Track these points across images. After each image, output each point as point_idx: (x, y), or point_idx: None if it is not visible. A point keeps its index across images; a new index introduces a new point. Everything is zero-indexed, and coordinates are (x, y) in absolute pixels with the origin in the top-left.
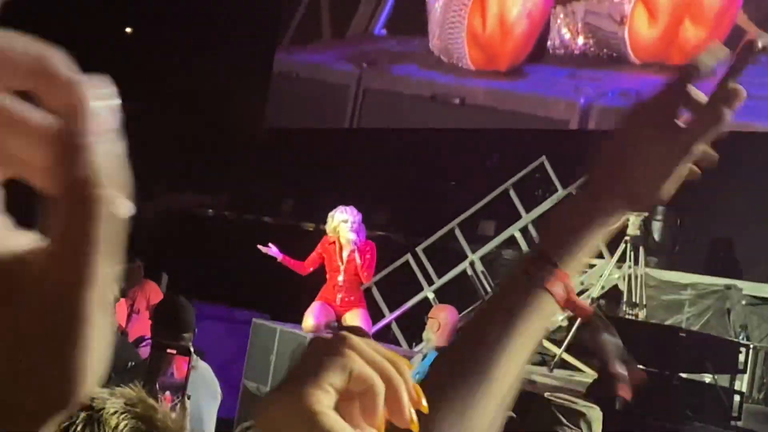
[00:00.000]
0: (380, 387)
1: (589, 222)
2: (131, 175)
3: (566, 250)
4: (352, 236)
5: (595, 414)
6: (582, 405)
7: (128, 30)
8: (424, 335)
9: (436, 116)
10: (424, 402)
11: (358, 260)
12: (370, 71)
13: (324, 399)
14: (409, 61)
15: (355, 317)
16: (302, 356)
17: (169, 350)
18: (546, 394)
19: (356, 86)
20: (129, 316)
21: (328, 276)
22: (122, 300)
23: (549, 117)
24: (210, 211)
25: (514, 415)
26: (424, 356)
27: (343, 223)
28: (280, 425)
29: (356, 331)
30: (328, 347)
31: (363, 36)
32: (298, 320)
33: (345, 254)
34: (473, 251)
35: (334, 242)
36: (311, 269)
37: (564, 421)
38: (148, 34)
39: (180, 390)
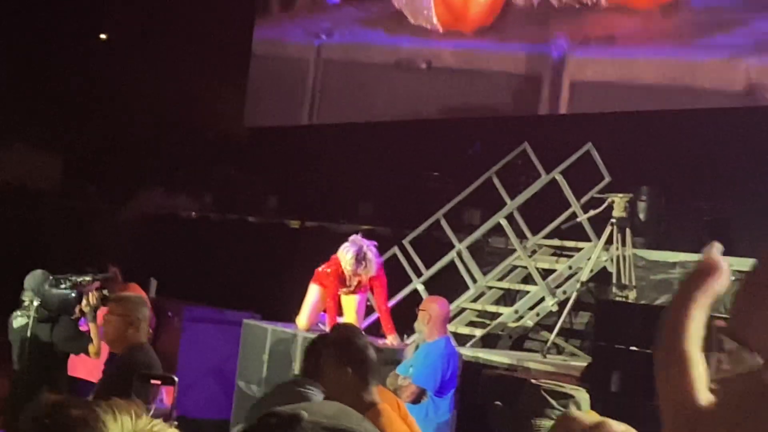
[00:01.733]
0: None
1: None
2: (114, 179)
3: None
4: (356, 274)
5: (583, 396)
6: (570, 388)
7: (103, 36)
8: (416, 327)
9: (402, 83)
10: None
11: (369, 295)
12: (329, 43)
13: None
14: (373, 27)
15: (351, 304)
16: None
17: (153, 381)
18: (532, 381)
19: (315, 58)
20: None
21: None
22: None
23: (521, 73)
24: (194, 213)
25: (499, 404)
26: (416, 347)
27: (346, 265)
28: None
29: (349, 327)
30: None
31: (313, 6)
32: (289, 319)
33: (354, 282)
34: (460, 240)
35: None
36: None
37: (553, 403)
38: (122, 39)
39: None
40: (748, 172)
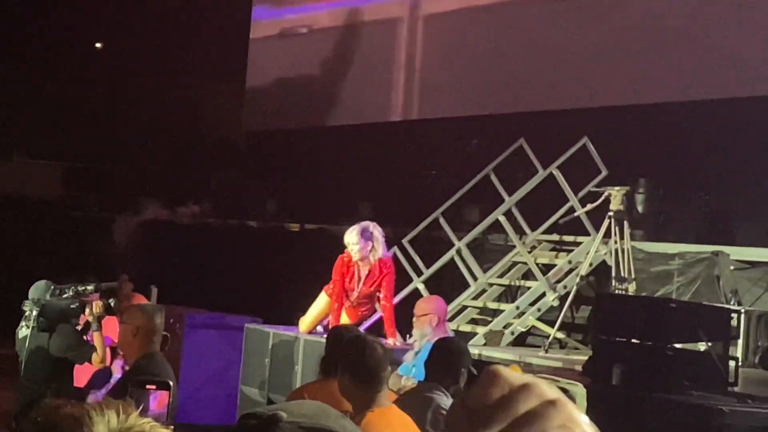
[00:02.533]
0: None
1: None
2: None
3: None
4: (360, 255)
5: (579, 390)
6: (565, 382)
7: (98, 45)
8: (419, 332)
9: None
10: None
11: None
12: None
13: None
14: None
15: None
16: (516, 401)
17: (148, 386)
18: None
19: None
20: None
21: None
22: (114, 317)
23: (384, 19)
24: (193, 219)
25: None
26: (417, 352)
27: (352, 245)
28: None
29: (348, 329)
30: (557, 413)
31: None
32: (291, 323)
33: (363, 273)
34: (459, 238)
35: (349, 260)
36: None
37: None
38: (118, 48)
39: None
40: (745, 163)
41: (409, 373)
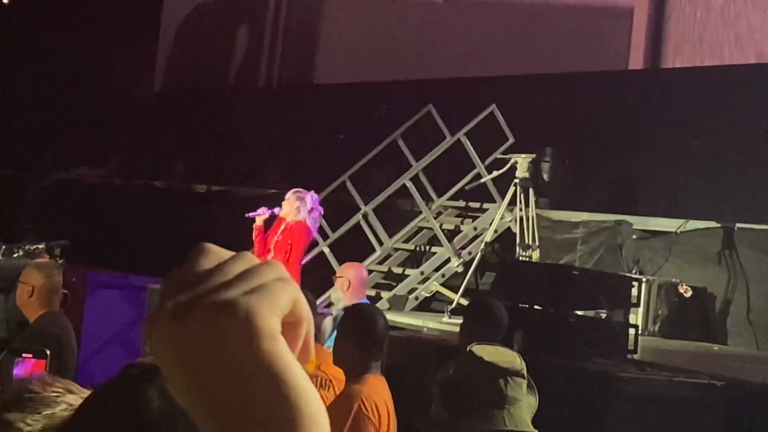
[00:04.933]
0: (312, 322)
1: None
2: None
3: None
4: (284, 211)
5: None
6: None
7: (5, 1)
8: (333, 295)
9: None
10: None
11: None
12: None
13: (278, 325)
14: None
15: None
16: (228, 263)
17: (24, 354)
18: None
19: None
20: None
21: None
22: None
23: None
24: (99, 178)
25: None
26: (335, 317)
27: (285, 201)
28: (202, 341)
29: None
30: (272, 269)
31: None
32: None
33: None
34: (366, 203)
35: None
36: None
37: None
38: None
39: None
40: (649, 133)
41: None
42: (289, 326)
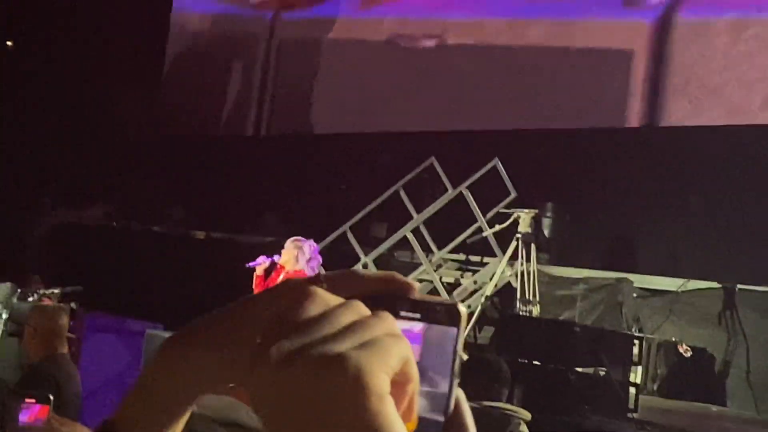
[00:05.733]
0: (418, 382)
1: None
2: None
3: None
4: (282, 258)
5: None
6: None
7: (9, 43)
8: None
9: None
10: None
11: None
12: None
13: (387, 384)
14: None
15: None
16: (336, 312)
17: (27, 399)
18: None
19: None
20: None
21: None
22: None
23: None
24: (99, 220)
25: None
26: None
27: (284, 250)
28: (307, 393)
29: None
30: (382, 322)
31: None
32: None
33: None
34: (366, 254)
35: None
36: None
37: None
38: (32, 42)
39: None
40: (651, 191)
41: None
42: (397, 385)
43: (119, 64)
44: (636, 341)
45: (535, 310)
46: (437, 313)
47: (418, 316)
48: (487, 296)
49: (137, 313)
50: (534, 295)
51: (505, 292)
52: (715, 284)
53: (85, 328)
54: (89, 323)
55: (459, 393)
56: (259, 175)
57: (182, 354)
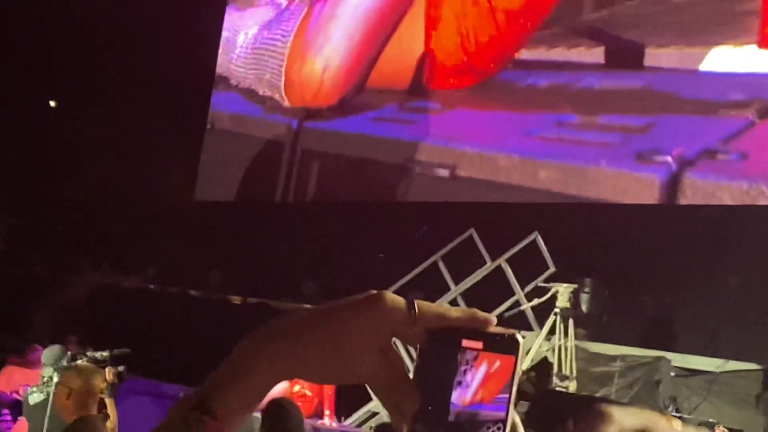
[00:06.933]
0: None
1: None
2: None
3: (225, 402)
4: None
5: None
6: None
7: (52, 103)
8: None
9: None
10: None
11: None
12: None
13: None
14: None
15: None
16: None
17: None
18: None
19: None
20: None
21: None
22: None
23: None
24: (136, 284)
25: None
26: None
27: None
28: None
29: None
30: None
31: None
32: None
33: None
34: None
35: None
36: None
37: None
38: (72, 107)
39: None
40: (692, 269)
41: None
42: None
43: (160, 127)
44: None
45: (572, 386)
46: (497, 342)
47: (480, 345)
48: (523, 371)
49: (173, 377)
50: (571, 371)
51: (542, 366)
52: (754, 366)
53: (119, 390)
54: (124, 386)
55: (515, 417)
56: (297, 241)
57: (280, 347)
